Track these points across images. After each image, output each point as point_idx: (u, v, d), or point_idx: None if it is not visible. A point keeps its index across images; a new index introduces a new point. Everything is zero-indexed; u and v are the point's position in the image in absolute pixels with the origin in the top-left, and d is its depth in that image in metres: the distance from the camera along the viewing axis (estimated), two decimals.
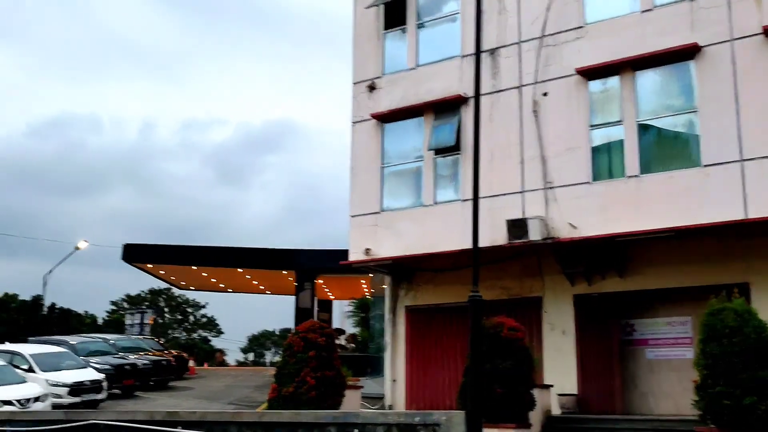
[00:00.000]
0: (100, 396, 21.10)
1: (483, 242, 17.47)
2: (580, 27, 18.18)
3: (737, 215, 15.56)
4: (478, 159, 4.65)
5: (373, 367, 27.41)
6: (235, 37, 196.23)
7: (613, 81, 17.61)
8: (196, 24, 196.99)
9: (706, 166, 16.19)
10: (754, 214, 15.40)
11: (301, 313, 34.91)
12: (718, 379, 12.71)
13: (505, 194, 18.44)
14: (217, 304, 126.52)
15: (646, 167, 16.98)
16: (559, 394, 17.45)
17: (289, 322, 42.32)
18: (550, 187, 17.86)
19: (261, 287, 45.32)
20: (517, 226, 17.56)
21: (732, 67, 16.14)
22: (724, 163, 15.91)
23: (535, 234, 17.34)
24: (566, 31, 18.32)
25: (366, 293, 40.84)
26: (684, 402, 14.66)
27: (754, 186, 15.48)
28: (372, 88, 21.16)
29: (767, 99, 15.67)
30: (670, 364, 17.73)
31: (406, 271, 20.90)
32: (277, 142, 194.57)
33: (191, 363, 36.09)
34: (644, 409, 17.86)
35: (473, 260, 4.78)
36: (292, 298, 38.06)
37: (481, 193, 17.81)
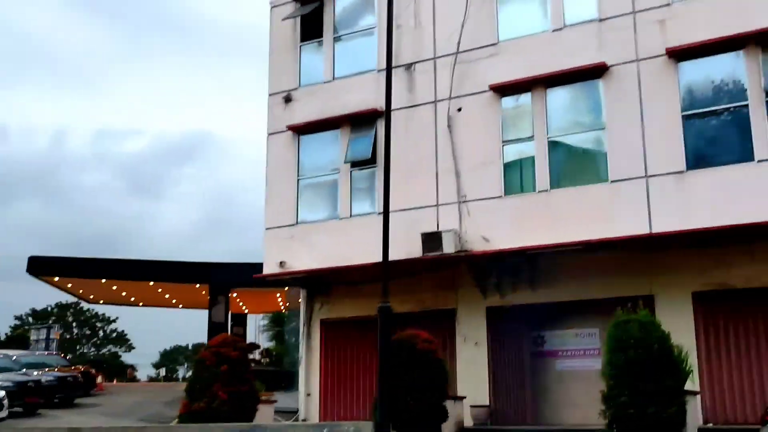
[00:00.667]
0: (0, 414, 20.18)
1: (398, 255, 17.64)
2: (494, 44, 18.54)
3: (642, 230, 16.08)
4: (388, 172, 4.65)
5: (288, 381, 27.13)
6: (153, 47, 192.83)
7: (525, 98, 18.01)
8: (113, 32, 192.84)
9: (613, 181, 16.70)
10: (658, 228, 15.95)
11: (215, 328, 34.29)
12: (623, 388, 13.05)
13: (420, 207, 18.59)
14: (128, 318, 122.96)
15: (556, 182, 17.40)
16: (472, 406, 17.62)
17: (202, 337, 41.55)
18: (464, 201, 18.10)
19: (173, 301, 44.34)
20: (432, 239, 17.72)
21: (638, 87, 16.72)
22: (630, 179, 16.44)
23: (449, 247, 17.53)
24: (480, 48, 18.64)
25: (281, 307, 40.45)
26: (592, 412, 14.95)
27: (658, 201, 16.04)
28: (288, 99, 21.06)
29: (670, 117, 16.29)
30: (579, 375, 18.15)
31: (321, 284, 20.79)
32: (194, 153, 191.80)
33: (99, 379, 34.96)
34: (554, 420, 18.22)
35: (383, 272, 4.78)
36: (206, 312, 37.37)
37: (398, 206, 18.05)
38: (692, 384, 14.47)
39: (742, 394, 15.90)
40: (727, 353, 16.20)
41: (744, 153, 15.66)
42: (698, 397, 15.17)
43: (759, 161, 15.38)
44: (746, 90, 15.78)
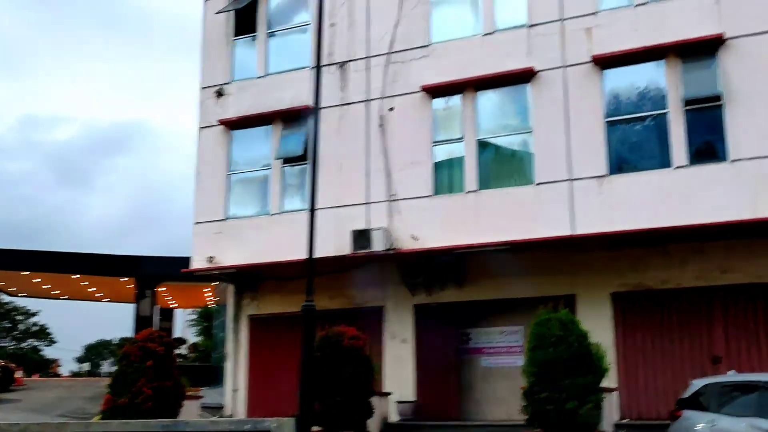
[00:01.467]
0: None
1: (328, 252, 17.78)
2: (427, 46, 18.80)
3: (565, 231, 16.57)
4: (315, 170, 4.74)
5: (215, 376, 26.93)
6: (84, 35, 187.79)
7: (456, 99, 18.33)
8: (42, 19, 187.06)
9: (539, 184, 17.15)
10: (580, 230, 16.46)
11: (141, 322, 33.83)
12: (544, 385, 13.46)
13: (351, 205, 18.73)
14: (51, 311, 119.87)
15: (484, 183, 17.78)
16: (398, 402, 17.87)
17: (128, 331, 40.89)
18: (394, 200, 18.33)
19: (98, 294, 43.51)
20: (362, 237, 17.90)
21: (564, 92, 17.20)
22: (554, 181, 16.92)
23: (378, 245, 17.73)
24: (413, 48, 18.89)
25: (210, 302, 40.08)
26: (514, 407, 15.38)
27: (581, 204, 16.56)
28: (220, 93, 20.94)
29: (594, 123, 16.82)
30: (503, 372, 18.58)
31: (250, 279, 20.74)
32: (126, 144, 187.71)
33: (19, 374, 34.04)
34: (478, 416, 18.60)
35: (308, 270, 4.88)
36: (133, 306, 36.79)
37: (328, 203, 18.17)
38: (609, 381, 15.01)
39: (656, 390, 16.54)
40: (642, 351, 16.82)
41: (663, 159, 16.30)
42: (615, 393, 15.72)
43: (676, 167, 16.03)
44: (666, 98, 16.40)
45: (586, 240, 16.62)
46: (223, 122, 20.63)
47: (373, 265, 19.00)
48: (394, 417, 17.62)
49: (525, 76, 17.57)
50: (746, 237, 15.90)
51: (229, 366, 20.84)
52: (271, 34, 20.97)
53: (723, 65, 15.97)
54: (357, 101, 19.30)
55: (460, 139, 18.15)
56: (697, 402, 11.92)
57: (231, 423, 5.24)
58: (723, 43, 15.95)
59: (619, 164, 16.65)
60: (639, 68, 16.78)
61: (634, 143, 16.79)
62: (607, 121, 16.80)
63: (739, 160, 15.52)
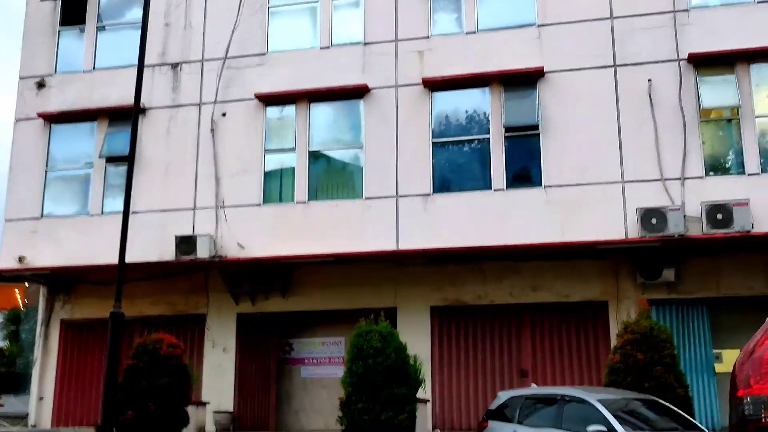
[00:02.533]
0: None
1: (151, 257, 17.30)
2: (263, 54, 18.73)
3: (390, 246, 17.01)
4: (131, 173, 4.62)
5: (21, 384, 25.35)
6: None
7: (290, 110, 18.38)
8: None
9: (367, 198, 17.51)
10: (404, 245, 16.95)
11: None
12: (361, 395, 13.73)
13: (177, 209, 18.29)
14: None
15: (314, 195, 17.92)
16: (216, 411, 17.59)
17: None
18: (222, 207, 18.08)
19: None
20: (186, 243, 17.52)
21: (395, 111, 17.70)
22: (382, 197, 17.34)
23: (203, 251, 17.41)
24: (249, 56, 18.76)
25: (20, 304, 37.64)
26: (332, 418, 15.56)
27: (406, 220, 17.07)
28: (41, 85, 19.83)
29: (421, 143, 17.41)
30: (322, 382, 18.76)
31: (64, 282, 19.70)
32: None
33: None
34: (296, 426, 18.67)
35: (118, 276, 4.74)
36: None
37: (153, 206, 17.70)
38: (424, 392, 15.53)
39: (468, 402, 17.29)
40: (457, 364, 17.54)
41: (484, 181, 17.13)
42: (428, 404, 16.30)
43: (495, 190, 16.90)
44: (489, 124, 17.27)
45: (409, 255, 17.16)
46: (42, 115, 19.54)
47: (197, 272, 18.64)
48: (210, 427, 17.32)
49: (359, 92, 17.92)
50: (555, 258, 17.00)
51: (35, 372, 19.66)
52: (101, 28, 20.12)
53: (541, 96, 17.03)
54: (189, 104, 18.89)
55: (292, 149, 18.21)
56: (503, 413, 12.57)
57: None
58: (542, 75, 17.03)
59: (443, 184, 17.33)
60: (466, 93, 17.58)
61: (458, 165, 17.53)
62: (435, 142, 17.44)
63: (551, 186, 16.60)
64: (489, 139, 17.22)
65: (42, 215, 19.18)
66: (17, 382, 26.43)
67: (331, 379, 18.44)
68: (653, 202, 15.75)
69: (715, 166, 16.23)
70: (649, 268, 16.50)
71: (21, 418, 19.78)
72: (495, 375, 17.31)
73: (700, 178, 15.96)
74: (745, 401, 7.58)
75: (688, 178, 15.93)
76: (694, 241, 15.58)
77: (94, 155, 19.22)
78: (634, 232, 15.74)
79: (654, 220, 15.47)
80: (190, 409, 15.59)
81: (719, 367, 16.31)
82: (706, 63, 16.35)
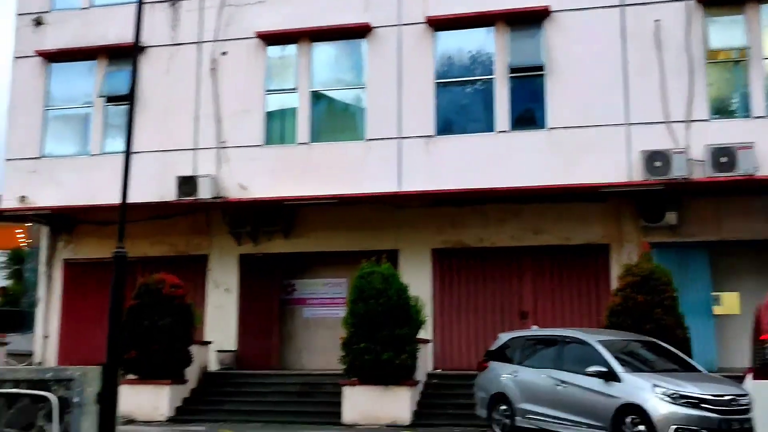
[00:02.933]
0: None
1: (151, 197, 17.24)
2: None
3: (392, 187, 16.94)
4: (132, 113, 4.57)
5: (25, 322, 25.57)
6: None
7: (291, 49, 18.11)
8: None
9: (369, 140, 17.37)
10: (406, 187, 16.88)
11: None
12: (362, 336, 13.90)
13: (178, 150, 18.17)
14: None
15: (316, 136, 17.78)
16: (218, 351, 17.76)
17: None
18: (224, 147, 17.96)
19: None
20: (187, 183, 17.46)
21: (398, 51, 17.43)
22: (384, 138, 17.20)
23: (205, 192, 17.36)
24: None
25: (22, 244, 37.77)
26: (334, 358, 15.72)
27: (408, 162, 16.96)
28: (39, 22, 19.50)
29: (425, 83, 17.19)
30: (325, 323, 18.88)
31: (66, 222, 19.72)
32: None
33: None
34: (298, 365, 18.86)
35: (120, 216, 4.73)
36: None
37: (154, 146, 17.58)
38: (425, 333, 15.68)
39: (468, 343, 17.43)
40: (458, 306, 17.63)
41: (487, 123, 16.97)
42: (429, 345, 16.45)
43: (498, 132, 16.75)
44: (494, 65, 17.02)
45: (411, 197, 17.10)
46: (40, 53, 19.28)
47: (198, 212, 18.62)
48: (214, 366, 17.52)
49: (361, 32, 17.62)
50: (557, 201, 16.94)
51: (40, 311, 19.83)
52: None
53: (547, 36, 16.75)
54: (188, 42, 18.61)
55: (293, 90, 18.00)
56: (503, 354, 12.71)
57: (31, 371, 5.03)
58: (548, 15, 16.72)
59: (446, 126, 17.17)
60: (470, 33, 17.28)
61: (461, 106, 17.35)
62: (438, 83, 17.23)
63: (555, 128, 16.45)
64: (493, 80, 16.99)
65: (42, 155, 19.09)
66: (22, 321, 26.66)
67: (333, 320, 18.55)
68: (657, 145, 15.62)
69: (721, 109, 16.06)
70: (651, 211, 16.46)
71: (27, 356, 20.01)
72: (495, 317, 17.41)
73: (706, 120, 15.80)
74: (767, 345, 7.63)
75: (693, 121, 15.77)
76: (698, 184, 15.52)
77: (93, 94, 19.01)
78: (638, 174, 15.65)
79: (658, 163, 15.37)
80: (194, 349, 15.82)
81: (718, 310, 16.42)
82: (715, 2, 16.04)
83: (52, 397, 4.89)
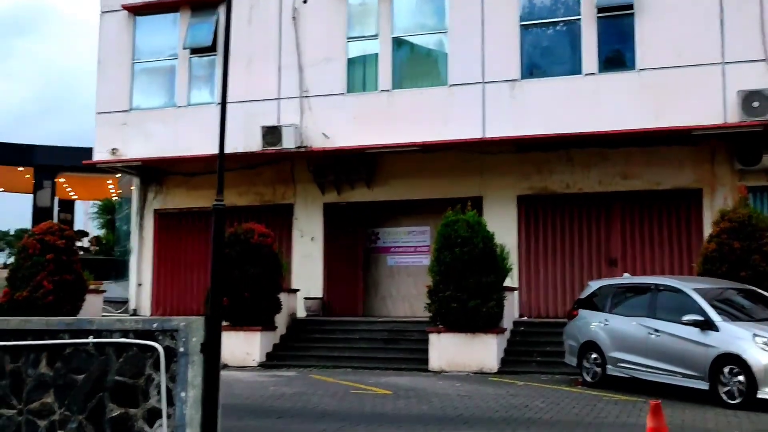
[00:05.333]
0: None
1: (237, 147, 17.43)
2: None
3: (476, 134, 16.70)
4: (227, 62, 4.57)
5: (119, 271, 26.56)
6: None
7: None
8: None
9: (452, 85, 17.11)
10: (490, 133, 16.61)
11: (40, 213, 32.74)
12: (449, 284, 13.87)
13: (261, 100, 18.30)
14: None
15: (398, 83, 17.62)
16: (306, 298, 18.07)
17: (26, 222, 39.58)
18: (306, 96, 17.99)
19: None
20: (272, 133, 17.60)
21: None
22: (468, 84, 16.90)
23: (289, 142, 17.48)
24: None
25: (113, 194, 39.04)
26: (419, 305, 15.82)
27: (492, 107, 16.65)
28: None
29: (508, 26, 16.74)
30: (409, 270, 18.98)
31: (156, 173, 20.23)
32: (28, 26, 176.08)
33: None
34: (383, 312, 19.07)
35: (219, 167, 4.76)
36: (30, 197, 35.50)
37: (238, 97, 17.69)
38: (511, 281, 15.56)
39: (555, 291, 17.24)
40: (544, 254, 17.41)
41: (574, 65, 16.47)
42: (516, 293, 16.34)
43: (586, 74, 16.24)
44: (580, 4, 16.42)
45: (495, 143, 16.82)
46: (126, 7, 19.58)
47: (283, 162, 18.80)
48: (301, 313, 17.85)
49: None
50: (647, 145, 16.41)
51: (133, 260, 20.52)
52: None
53: None
54: None
55: (375, 36, 17.82)
56: (593, 302, 12.51)
57: (137, 322, 5.17)
58: None
59: (531, 69, 16.76)
60: None
61: (546, 48, 16.87)
62: (522, 25, 16.77)
63: (645, 69, 15.84)
64: (580, 20, 16.42)
65: (131, 108, 19.52)
66: (116, 269, 27.69)
67: (416, 267, 18.64)
68: (755, 84, 14.87)
69: None
70: (747, 153, 15.77)
71: (122, 303, 20.81)
72: (583, 264, 17.14)
73: None
74: None
75: None
76: None
77: (178, 47, 19.25)
78: (734, 116, 14.99)
79: (756, 103, 14.67)
80: (282, 296, 16.11)
81: None
82: None
83: (159, 347, 5.02)
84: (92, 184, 37.09)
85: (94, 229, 44.84)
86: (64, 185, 38.18)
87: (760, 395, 9.44)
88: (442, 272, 14.05)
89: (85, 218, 50.99)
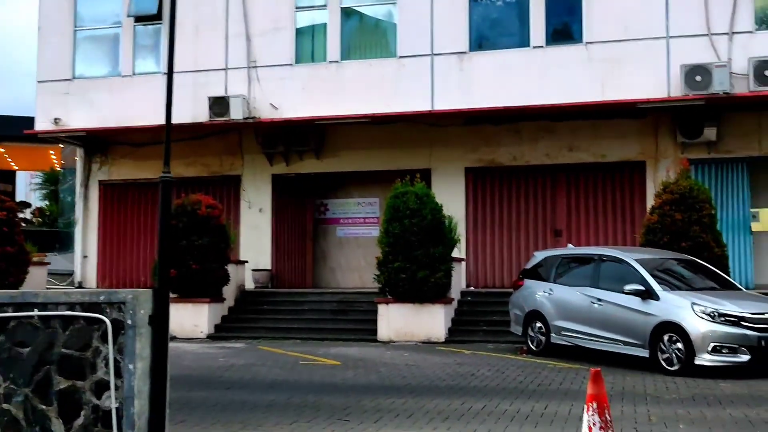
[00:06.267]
0: None
1: (184, 118, 17.18)
2: None
3: (425, 106, 16.76)
4: (173, 31, 4.45)
5: (63, 243, 26.09)
6: None
7: None
8: None
9: (401, 57, 17.09)
10: (439, 106, 16.69)
11: None
12: (397, 255, 13.98)
13: (209, 70, 18.05)
14: None
15: (346, 53, 17.54)
16: (254, 270, 18.01)
17: None
18: (254, 67, 17.80)
19: None
20: (219, 104, 17.40)
21: None
22: (417, 55, 16.91)
23: (236, 113, 17.31)
24: None
25: (56, 164, 38.18)
26: (368, 276, 15.90)
27: (441, 79, 16.70)
28: None
29: None
30: (358, 242, 19.06)
31: (100, 143, 19.84)
32: None
33: None
34: (332, 283, 19.13)
35: (166, 138, 4.68)
36: None
37: (185, 67, 17.41)
38: (459, 251, 15.74)
39: (502, 261, 17.51)
40: (491, 225, 17.63)
41: (522, 38, 16.59)
42: (463, 263, 16.53)
43: (534, 47, 16.38)
44: None
45: (445, 115, 16.91)
46: None
47: (230, 133, 18.61)
48: (250, 285, 17.80)
49: None
50: (593, 118, 16.68)
51: (78, 232, 20.17)
52: None
53: None
54: None
55: (323, 6, 17.67)
56: (538, 272, 12.74)
57: (84, 294, 5.11)
58: None
59: (479, 41, 16.83)
60: None
61: (494, 21, 16.96)
62: None
63: (592, 42, 16.04)
64: None
65: (74, 76, 19.06)
66: (60, 241, 27.17)
67: (366, 239, 18.72)
68: (698, 59, 15.19)
69: (766, 20, 15.52)
70: (690, 126, 16.14)
71: (67, 275, 20.47)
72: (529, 235, 17.42)
73: (749, 32, 15.31)
74: None
75: (736, 33, 15.29)
76: (740, 99, 15.15)
77: (122, 14, 18.82)
78: (677, 89, 15.30)
79: (698, 78, 14.99)
80: (230, 268, 16.04)
81: (756, 226, 16.26)
82: None
83: (107, 320, 4.97)
84: (34, 155, 36.18)
85: (37, 201, 43.86)
86: (5, 155, 37.20)
87: (697, 362, 9.77)
88: (391, 243, 14.14)
89: (27, 189, 49.81)
